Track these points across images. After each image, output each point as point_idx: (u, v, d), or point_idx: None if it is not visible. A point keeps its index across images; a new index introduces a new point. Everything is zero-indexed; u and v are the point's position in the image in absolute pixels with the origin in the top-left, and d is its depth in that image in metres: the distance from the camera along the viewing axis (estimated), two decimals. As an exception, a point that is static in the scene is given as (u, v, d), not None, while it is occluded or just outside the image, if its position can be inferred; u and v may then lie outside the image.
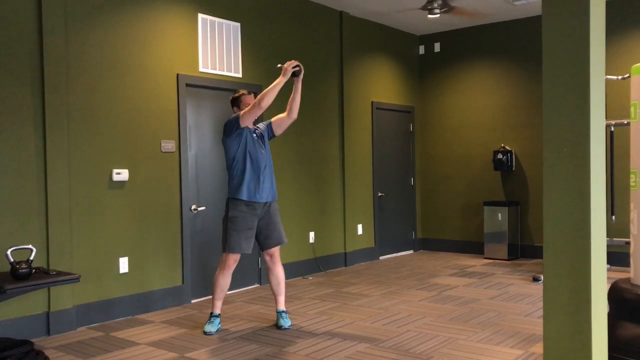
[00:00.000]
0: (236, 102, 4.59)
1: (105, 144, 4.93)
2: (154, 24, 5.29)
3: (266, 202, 4.49)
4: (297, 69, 4.33)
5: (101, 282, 4.89)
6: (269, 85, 6.29)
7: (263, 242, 4.58)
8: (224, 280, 4.52)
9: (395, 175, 8.39)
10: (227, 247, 4.41)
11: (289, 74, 4.30)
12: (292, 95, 4.53)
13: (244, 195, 4.38)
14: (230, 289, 5.86)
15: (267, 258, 4.60)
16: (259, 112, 4.29)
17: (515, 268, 7.11)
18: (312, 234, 6.93)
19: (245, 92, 4.61)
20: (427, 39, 8.70)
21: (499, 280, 6.38)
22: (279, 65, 4.41)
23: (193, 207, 5.59)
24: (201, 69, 5.67)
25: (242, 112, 4.38)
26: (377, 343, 4.17)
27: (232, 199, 4.44)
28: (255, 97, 4.60)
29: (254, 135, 4.49)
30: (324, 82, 7.15)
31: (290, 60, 6.61)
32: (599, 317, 2.41)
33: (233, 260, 4.47)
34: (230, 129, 4.39)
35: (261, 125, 4.67)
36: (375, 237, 7.90)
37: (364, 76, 7.76)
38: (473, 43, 8.26)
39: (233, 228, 4.39)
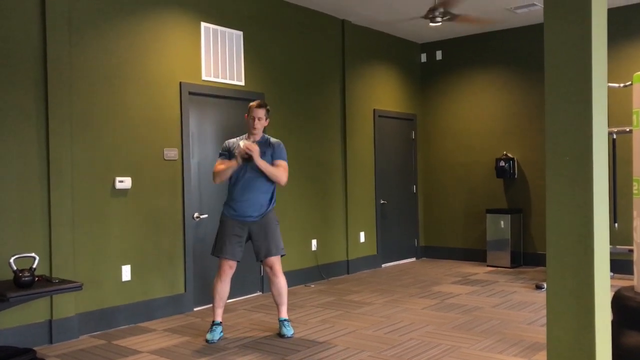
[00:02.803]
0: (248, 110, 4.61)
1: (108, 151, 4.94)
2: (157, 33, 5.32)
3: (251, 220, 4.51)
4: (246, 157, 4.34)
5: (104, 290, 4.89)
6: (271, 93, 6.34)
7: (256, 252, 4.56)
8: (221, 287, 4.52)
9: (398, 182, 8.39)
10: (213, 249, 4.57)
11: (239, 161, 4.37)
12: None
13: (227, 212, 4.57)
14: (232, 297, 5.85)
15: (267, 269, 4.57)
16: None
17: (518, 276, 7.09)
18: (314, 242, 6.93)
19: (256, 102, 4.57)
20: (429, 47, 8.72)
21: (502, 288, 6.36)
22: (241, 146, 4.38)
23: (195, 215, 5.60)
24: (204, 77, 5.69)
25: (215, 167, 4.57)
26: (379, 351, 4.16)
27: (223, 210, 4.65)
28: (267, 112, 4.56)
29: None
30: (326, 89, 7.17)
31: (296, 69, 6.67)
32: (603, 325, 2.40)
33: (227, 266, 4.48)
34: None
35: (269, 149, 4.53)
36: (378, 244, 7.89)
37: (366, 84, 7.78)
38: (475, 51, 8.28)
39: (219, 231, 4.57)
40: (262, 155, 4.43)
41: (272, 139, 4.61)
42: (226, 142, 4.65)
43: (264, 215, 4.52)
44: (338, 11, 7.08)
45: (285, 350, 4.24)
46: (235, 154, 4.37)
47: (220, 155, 4.59)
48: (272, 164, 4.48)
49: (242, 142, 4.35)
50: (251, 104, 4.58)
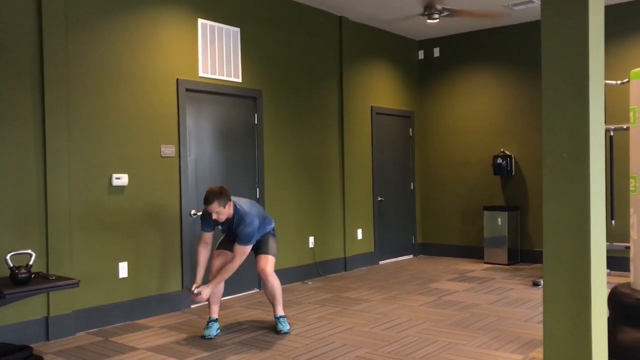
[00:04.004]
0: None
1: (104, 148, 4.93)
2: (154, 29, 5.30)
3: None
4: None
5: (100, 287, 4.88)
6: (268, 90, 6.33)
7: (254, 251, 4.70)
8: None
9: (395, 179, 8.40)
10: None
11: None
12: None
13: None
14: (229, 294, 5.85)
15: (259, 272, 4.63)
16: None
17: (515, 273, 7.10)
18: (311, 239, 6.93)
19: (205, 196, 4.33)
20: (427, 44, 8.72)
21: (499, 285, 6.37)
22: (193, 291, 4.39)
23: (192, 212, 5.59)
24: (201, 74, 5.68)
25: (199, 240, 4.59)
26: (376, 348, 4.16)
27: None
28: (219, 199, 4.32)
29: (220, 227, 4.60)
30: (324, 87, 7.16)
31: (293, 66, 6.67)
32: (599, 321, 2.41)
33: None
34: None
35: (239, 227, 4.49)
36: (375, 241, 7.90)
37: (363, 81, 7.78)
38: (472, 48, 8.28)
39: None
40: (234, 230, 4.49)
41: (239, 215, 4.44)
42: (203, 215, 4.53)
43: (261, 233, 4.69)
44: (335, 8, 7.07)
45: (283, 346, 4.25)
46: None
47: (204, 227, 4.53)
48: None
49: (191, 290, 4.42)
50: (209, 204, 4.32)
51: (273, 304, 4.65)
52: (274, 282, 4.59)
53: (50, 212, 4.52)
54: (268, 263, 4.57)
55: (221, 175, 5.85)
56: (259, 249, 4.64)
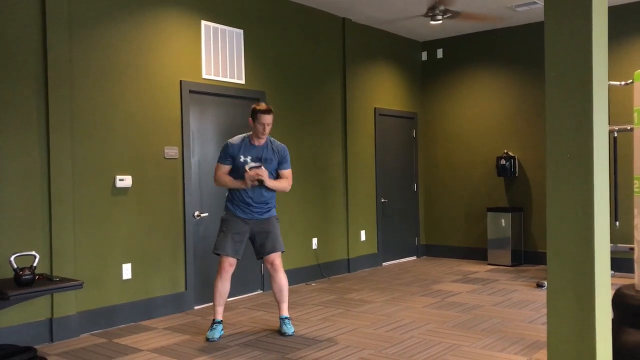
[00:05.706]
0: (252, 115, 4.50)
1: (108, 150, 4.94)
2: (157, 31, 5.31)
3: (256, 218, 4.55)
4: (256, 183, 4.39)
5: (104, 289, 4.89)
6: (271, 92, 6.33)
7: (257, 250, 4.60)
8: (222, 285, 4.52)
9: (398, 181, 8.39)
10: (214, 247, 4.52)
11: (248, 185, 4.40)
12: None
13: (232, 210, 4.55)
14: (233, 296, 5.85)
15: (268, 266, 4.60)
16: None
17: (519, 274, 7.08)
18: (314, 240, 6.93)
19: (264, 107, 4.48)
20: (430, 45, 8.71)
21: (503, 286, 6.36)
22: (249, 167, 4.39)
23: (196, 213, 5.60)
24: (204, 76, 5.69)
25: (215, 173, 4.58)
26: (380, 350, 4.16)
27: (226, 206, 4.62)
28: (272, 116, 4.50)
29: (248, 162, 4.46)
30: (327, 88, 7.16)
31: (296, 67, 6.67)
32: (603, 323, 2.40)
33: (227, 263, 4.48)
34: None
35: (274, 155, 4.55)
36: (378, 243, 7.89)
37: (366, 82, 7.77)
38: (476, 49, 8.27)
39: (222, 229, 4.53)
40: (269, 162, 4.51)
41: (275, 143, 4.61)
42: (229, 144, 4.52)
43: (269, 212, 4.58)
44: (339, 9, 7.07)
45: (286, 348, 4.25)
46: (245, 177, 4.37)
47: (222, 159, 4.52)
48: (278, 174, 4.58)
49: (248, 167, 4.37)
50: (258, 108, 4.48)
51: (280, 302, 4.63)
52: (284, 276, 4.61)
53: (54, 213, 4.53)
54: (280, 256, 4.60)
55: (224, 176, 5.85)
56: (269, 241, 4.54)
